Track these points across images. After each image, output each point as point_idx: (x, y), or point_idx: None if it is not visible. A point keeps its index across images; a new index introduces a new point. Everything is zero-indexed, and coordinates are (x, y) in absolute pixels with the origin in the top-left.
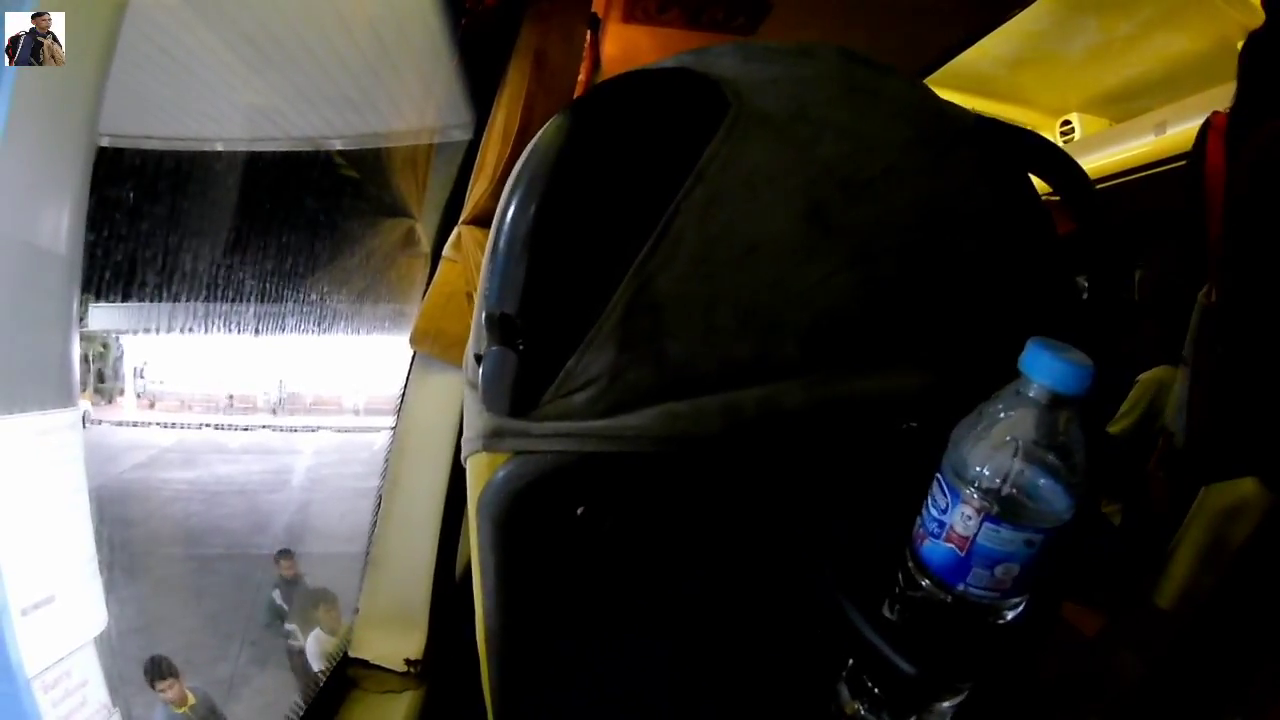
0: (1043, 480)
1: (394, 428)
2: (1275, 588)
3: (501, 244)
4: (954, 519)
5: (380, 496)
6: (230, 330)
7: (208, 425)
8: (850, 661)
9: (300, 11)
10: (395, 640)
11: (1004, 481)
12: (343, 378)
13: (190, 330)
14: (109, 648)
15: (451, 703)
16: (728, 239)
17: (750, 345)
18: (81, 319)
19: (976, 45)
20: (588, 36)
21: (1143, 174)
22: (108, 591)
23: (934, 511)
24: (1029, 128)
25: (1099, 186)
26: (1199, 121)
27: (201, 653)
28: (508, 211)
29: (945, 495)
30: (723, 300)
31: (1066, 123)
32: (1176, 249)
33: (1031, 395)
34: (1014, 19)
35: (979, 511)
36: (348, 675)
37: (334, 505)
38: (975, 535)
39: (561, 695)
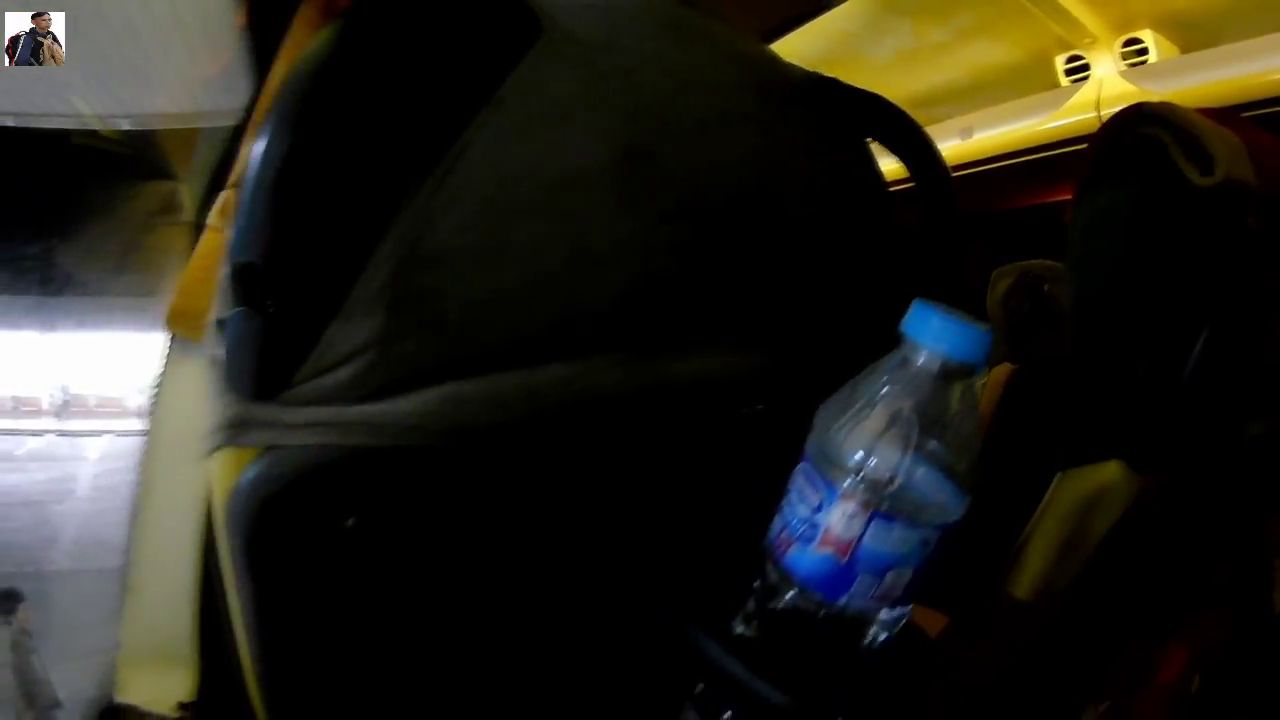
0: (942, 465)
1: (146, 426)
2: (1140, 580)
3: (249, 181)
4: (831, 519)
5: (134, 508)
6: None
7: None
8: (700, 687)
9: None
10: (163, 680)
11: (896, 468)
12: (123, 376)
13: None
14: None
15: None
16: (526, 179)
17: (549, 311)
18: None
19: (784, 43)
20: None
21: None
22: None
23: (802, 511)
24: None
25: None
26: (1006, 129)
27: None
28: (258, 142)
29: (817, 490)
30: (516, 254)
31: None
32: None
33: (921, 364)
34: (827, 18)
35: (865, 507)
36: None
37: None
38: (861, 536)
39: None
